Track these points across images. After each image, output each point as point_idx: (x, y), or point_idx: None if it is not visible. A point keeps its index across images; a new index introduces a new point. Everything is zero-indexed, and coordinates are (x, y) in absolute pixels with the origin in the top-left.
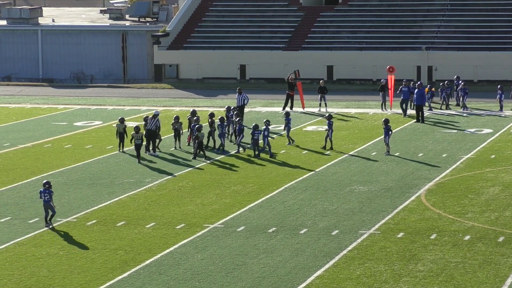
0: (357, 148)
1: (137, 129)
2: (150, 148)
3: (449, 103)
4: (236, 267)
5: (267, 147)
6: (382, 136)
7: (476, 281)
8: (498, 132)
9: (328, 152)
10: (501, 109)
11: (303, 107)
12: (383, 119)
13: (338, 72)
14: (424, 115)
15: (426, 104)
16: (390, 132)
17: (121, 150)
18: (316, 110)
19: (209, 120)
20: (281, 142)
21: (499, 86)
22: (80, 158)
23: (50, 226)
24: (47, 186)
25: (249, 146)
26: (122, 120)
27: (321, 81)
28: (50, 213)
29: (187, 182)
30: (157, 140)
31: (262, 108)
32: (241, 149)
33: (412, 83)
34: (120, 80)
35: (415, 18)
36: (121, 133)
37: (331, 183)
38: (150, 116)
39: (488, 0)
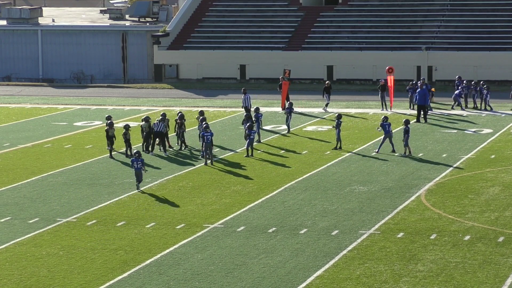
0: (357, 148)
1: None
2: (148, 149)
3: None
4: (236, 267)
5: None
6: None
7: (476, 281)
8: (498, 132)
9: (329, 152)
10: (486, 108)
11: (282, 107)
12: (404, 119)
13: (338, 72)
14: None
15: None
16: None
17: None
18: (320, 109)
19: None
20: (281, 142)
21: (485, 86)
22: (80, 158)
23: (139, 190)
24: (137, 155)
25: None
26: (109, 118)
27: (326, 82)
28: (139, 179)
29: (187, 182)
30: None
31: (262, 108)
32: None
33: (412, 82)
34: (120, 80)
35: (415, 18)
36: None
37: (331, 183)
38: (160, 118)
39: (488, 0)
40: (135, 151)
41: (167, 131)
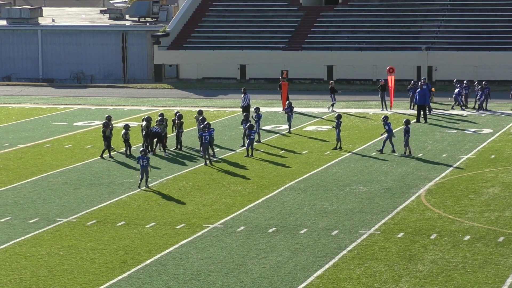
0: (357, 148)
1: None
2: (152, 149)
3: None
4: (236, 267)
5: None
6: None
7: (476, 281)
8: (498, 132)
9: (329, 152)
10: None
11: (283, 108)
12: (404, 119)
13: (338, 72)
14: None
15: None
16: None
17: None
18: (322, 109)
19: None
20: (281, 142)
21: (481, 86)
22: (80, 158)
23: (144, 187)
24: (143, 153)
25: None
26: (109, 118)
27: (330, 82)
28: (145, 176)
29: (187, 182)
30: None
31: (262, 108)
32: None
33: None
34: (120, 80)
35: (415, 18)
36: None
37: (331, 183)
38: (159, 119)
39: (488, 0)
40: (141, 149)
41: (166, 131)
